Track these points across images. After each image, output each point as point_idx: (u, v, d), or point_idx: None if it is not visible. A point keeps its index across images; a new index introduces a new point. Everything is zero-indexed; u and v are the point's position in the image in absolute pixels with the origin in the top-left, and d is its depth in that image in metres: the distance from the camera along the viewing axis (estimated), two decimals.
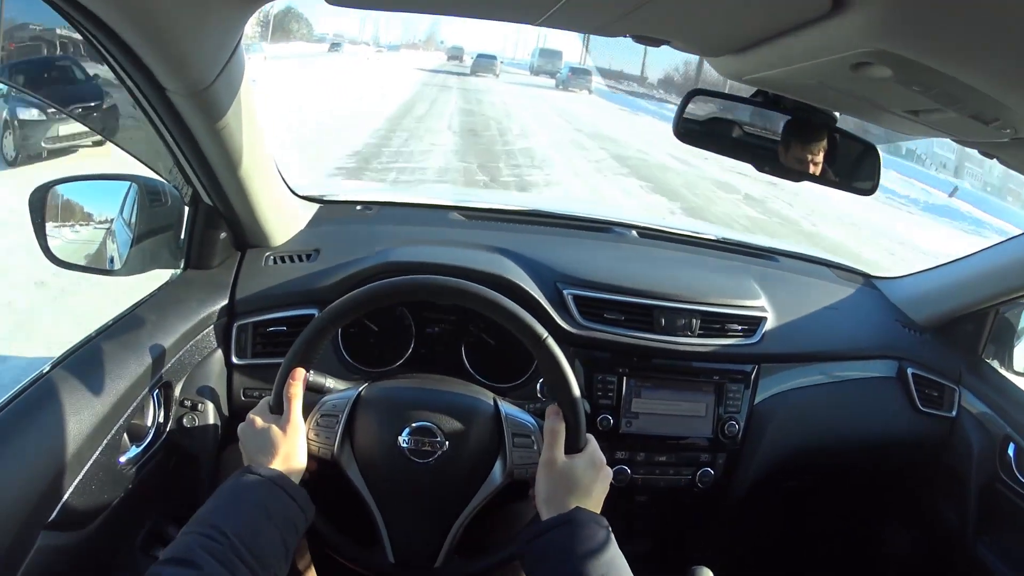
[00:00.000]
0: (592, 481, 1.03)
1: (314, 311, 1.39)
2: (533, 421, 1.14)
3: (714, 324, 1.55)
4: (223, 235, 1.43)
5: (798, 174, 1.17)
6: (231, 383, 1.39)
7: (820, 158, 1.16)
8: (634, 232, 1.85)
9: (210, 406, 1.33)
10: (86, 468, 1.04)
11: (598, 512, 1.01)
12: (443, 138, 13.63)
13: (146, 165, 1.31)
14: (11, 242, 3.92)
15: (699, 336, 1.54)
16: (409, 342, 1.49)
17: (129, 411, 1.13)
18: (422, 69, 37.22)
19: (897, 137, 1.12)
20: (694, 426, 1.54)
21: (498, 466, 1.10)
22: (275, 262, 1.49)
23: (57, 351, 1.13)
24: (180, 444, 1.30)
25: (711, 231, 2.03)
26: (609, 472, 1.07)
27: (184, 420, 1.30)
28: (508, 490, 1.11)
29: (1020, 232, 1.60)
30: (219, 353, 1.38)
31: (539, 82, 38.86)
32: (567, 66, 40.58)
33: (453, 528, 1.08)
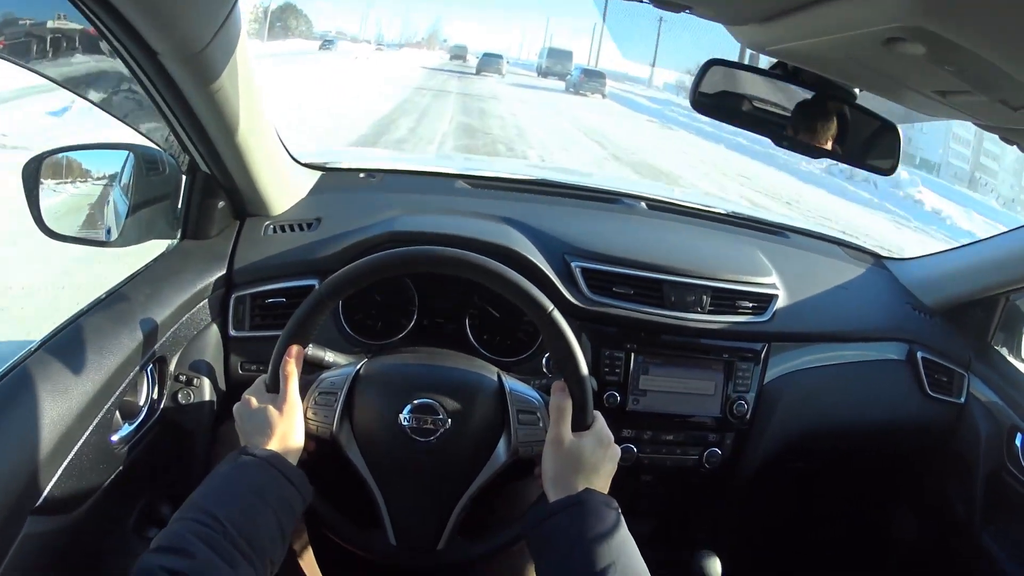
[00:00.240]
0: (600, 460, 1.00)
1: (315, 282, 1.37)
2: (539, 397, 1.11)
3: (725, 301, 1.53)
4: (221, 204, 1.40)
5: (815, 149, 1.14)
6: (228, 357, 1.37)
7: (831, 132, 1.13)
8: (643, 204, 1.82)
9: (206, 381, 1.31)
10: (76, 449, 1.00)
11: (606, 492, 0.98)
12: None
13: (141, 134, 1.27)
14: None
15: (709, 312, 1.51)
16: (412, 314, 1.46)
17: (121, 388, 1.10)
18: (419, 69, 34.31)
19: (916, 117, 1.09)
20: (702, 405, 1.52)
21: (502, 444, 1.08)
22: (275, 231, 1.46)
23: None
24: (175, 421, 1.28)
25: (721, 205, 1.99)
26: (617, 450, 1.04)
27: (179, 396, 1.28)
28: (513, 469, 1.08)
29: None
30: (215, 327, 1.35)
31: (548, 84, 36.43)
32: (578, 68, 37.32)
33: (456, 509, 1.06)
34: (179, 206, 1.36)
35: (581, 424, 1.02)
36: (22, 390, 0.95)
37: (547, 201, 1.75)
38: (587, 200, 1.81)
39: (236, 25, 1.04)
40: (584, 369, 1.03)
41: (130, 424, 1.17)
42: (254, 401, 1.03)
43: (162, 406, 1.26)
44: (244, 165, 1.32)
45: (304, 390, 1.06)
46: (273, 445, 0.98)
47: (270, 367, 1.05)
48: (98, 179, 1.24)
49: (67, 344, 1.05)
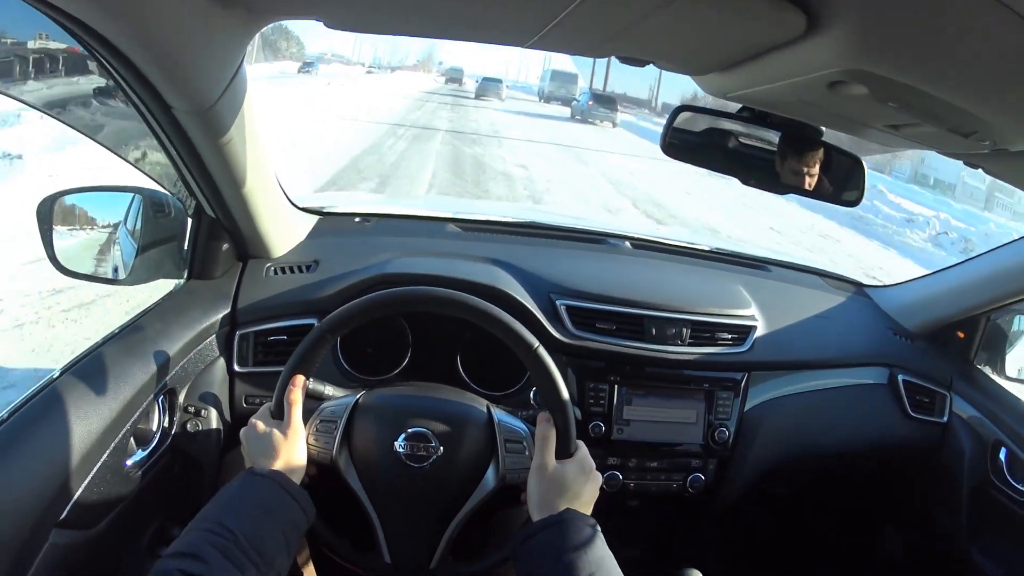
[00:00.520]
0: (582, 486, 1.05)
1: (313, 321, 1.42)
2: (525, 427, 1.16)
3: (704, 333, 1.58)
4: (225, 246, 1.46)
5: (791, 188, 1.20)
6: (233, 390, 1.42)
7: (814, 171, 1.19)
8: (628, 243, 1.88)
9: (213, 412, 1.36)
10: (95, 470, 1.07)
11: (588, 515, 1.03)
12: None
13: (150, 178, 1.34)
14: None
15: (689, 345, 1.56)
16: (406, 351, 1.51)
17: (135, 416, 1.16)
18: (404, 97, 28.76)
19: (883, 149, 1.15)
20: (685, 433, 1.56)
21: (491, 471, 1.13)
22: (276, 273, 1.52)
23: None
24: (184, 449, 1.33)
25: (704, 242, 2.06)
26: (599, 477, 1.09)
27: (188, 426, 1.33)
28: (501, 494, 1.13)
29: (1012, 240, 1.62)
30: (221, 361, 1.41)
31: (551, 111, 32.32)
32: (586, 92, 33.20)
33: (448, 531, 1.11)
34: (185, 248, 1.42)
35: (565, 452, 1.08)
36: (49, 412, 1.02)
37: (534, 243, 1.81)
38: (573, 241, 1.87)
39: (243, 81, 1.11)
40: (567, 400, 1.09)
41: (143, 450, 1.23)
42: (260, 426, 1.08)
43: (172, 434, 1.31)
44: (247, 210, 1.38)
45: (306, 417, 1.12)
46: (278, 467, 1.03)
47: (275, 395, 1.11)
48: (107, 222, 1.29)
49: (87, 372, 1.11)
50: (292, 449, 1.06)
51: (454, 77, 52.30)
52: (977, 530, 1.68)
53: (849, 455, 1.73)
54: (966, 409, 1.72)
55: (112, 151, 1.25)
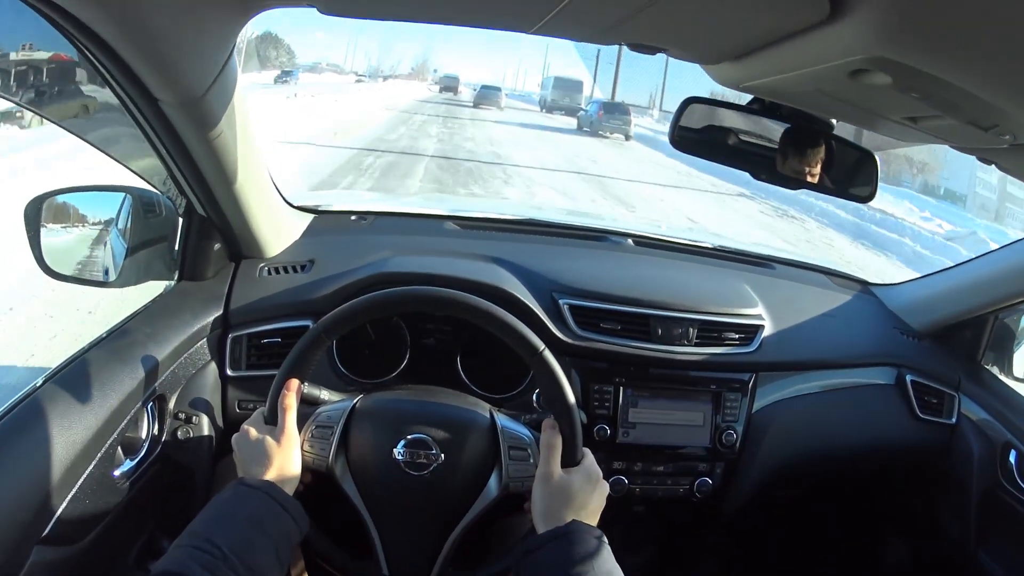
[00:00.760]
0: (588, 495, 1.02)
1: (308, 322, 1.39)
2: (529, 434, 1.13)
3: (711, 333, 1.55)
4: (217, 246, 1.43)
5: (795, 182, 1.17)
6: (225, 395, 1.39)
7: (818, 166, 1.16)
8: (630, 240, 1.85)
9: (204, 419, 1.33)
10: (80, 482, 1.03)
11: (595, 526, 1.00)
12: None
13: (139, 176, 1.30)
14: None
15: (696, 345, 1.53)
16: (404, 353, 1.48)
17: (123, 424, 1.12)
18: (392, 108, 24.90)
19: (893, 144, 1.12)
20: (691, 435, 1.53)
21: (494, 479, 1.10)
22: (269, 273, 1.48)
23: None
24: (174, 457, 1.29)
25: (707, 240, 2.03)
26: (606, 486, 1.06)
27: (178, 433, 1.29)
28: (504, 503, 1.10)
29: (1018, 238, 1.60)
30: (213, 365, 1.37)
31: (556, 123, 28.40)
32: (595, 102, 28.53)
33: (448, 541, 1.08)
34: (176, 248, 1.38)
35: (570, 461, 1.04)
36: (30, 423, 0.98)
37: (535, 240, 1.78)
38: (575, 238, 1.84)
39: (233, 72, 1.07)
40: (574, 408, 1.06)
41: (131, 460, 1.19)
42: (253, 432, 1.05)
43: (162, 442, 1.27)
44: (240, 208, 1.34)
45: (301, 423, 1.08)
46: (270, 476, 1.00)
47: (268, 400, 1.07)
48: (97, 221, 1.26)
49: (71, 380, 1.07)
50: (286, 457, 1.03)
51: (449, 85, 48.17)
52: (986, 534, 1.66)
53: (857, 456, 1.71)
54: (975, 410, 1.70)
55: (99, 149, 1.21)
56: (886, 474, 1.84)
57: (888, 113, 0.87)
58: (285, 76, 32.49)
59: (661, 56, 0.93)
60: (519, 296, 1.46)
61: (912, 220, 13.80)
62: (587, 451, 1.07)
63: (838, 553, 1.98)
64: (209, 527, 0.90)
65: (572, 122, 28.39)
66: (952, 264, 1.84)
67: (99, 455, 1.06)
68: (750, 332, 1.58)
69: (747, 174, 1.17)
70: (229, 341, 1.39)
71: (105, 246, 1.28)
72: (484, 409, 1.17)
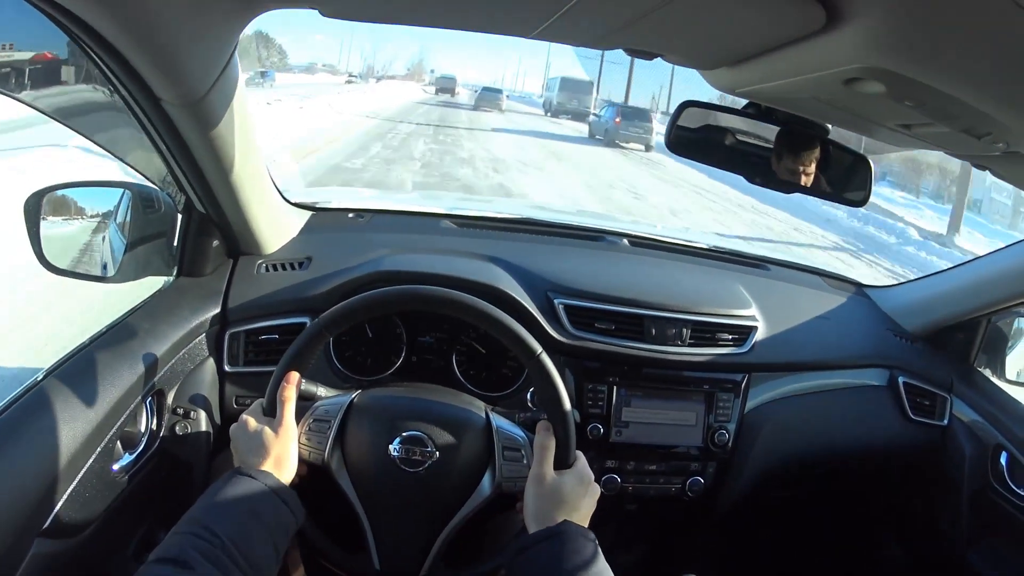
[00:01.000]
0: (580, 497, 1.03)
1: (306, 319, 1.40)
2: (524, 435, 1.14)
3: (704, 333, 1.56)
4: (215, 243, 1.43)
5: (790, 184, 1.18)
6: (223, 391, 1.39)
7: (812, 169, 1.17)
8: (625, 241, 1.86)
9: (202, 414, 1.33)
10: (80, 476, 1.03)
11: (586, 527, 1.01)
12: None
13: (139, 172, 1.31)
14: None
15: (689, 345, 1.54)
16: (400, 351, 1.49)
17: (122, 419, 1.13)
18: (375, 115, 21.10)
19: (888, 149, 1.13)
20: (684, 435, 1.54)
21: (487, 478, 1.10)
22: (267, 270, 1.49)
23: None
24: (173, 452, 1.30)
25: (703, 240, 2.04)
26: (597, 489, 1.07)
27: (177, 428, 1.30)
28: (496, 502, 1.11)
29: (1013, 242, 1.61)
30: (211, 361, 1.38)
31: (563, 129, 25.14)
32: (610, 107, 24.45)
33: (440, 538, 1.08)
34: (175, 244, 1.39)
35: (563, 463, 1.06)
36: (30, 417, 0.99)
37: (531, 239, 1.79)
38: (571, 238, 1.85)
39: (235, 71, 1.08)
40: (569, 410, 1.07)
41: (130, 454, 1.20)
42: (251, 422, 1.06)
43: (161, 437, 1.28)
44: (238, 206, 1.35)
45: (299, 416, 1.09)
46: (267, 466, 1.01)
47: (267, 392, 1.08)
48: (96, 216, 1.26)
49: (72, 375, 1.08)
50: (283, 448, 1.04)
51: (445, 87, 44.92)
52: (977, 534, 1.67)
53: (849, 457, 1.72)
54: (966, 412, 1.71)
55: (100, 145, 1.22)
56: (878, 475, 1.85)
57: (882, 120, 0.88)
58: (260, 77, 29.02)
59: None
60: (514, 295, 1.47)
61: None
62: (580, 454, 1.08)
63: (830, 553, 2.00)
64: (207, 515, 0.91)
65: (581, 128, 25.44)
66: (946, 267, 1.85)
67: (99, 449, 1.07)
68: (743, 333, 1.59)
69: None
70: (227, 337, 1.40)
71: (104, 241, 1.27)
72: (479, 408, 1.18)
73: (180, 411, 1.31)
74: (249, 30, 1.01)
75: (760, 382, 1.61)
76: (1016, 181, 1.07)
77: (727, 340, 1.58)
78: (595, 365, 1.52)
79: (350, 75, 52.43)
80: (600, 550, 0.96)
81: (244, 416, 1.08)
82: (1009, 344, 1.79)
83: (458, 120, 24.18)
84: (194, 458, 1.34)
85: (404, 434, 1.09)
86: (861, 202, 1.22)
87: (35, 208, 1.16)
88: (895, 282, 1.97)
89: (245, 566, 0.87)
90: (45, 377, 1.06)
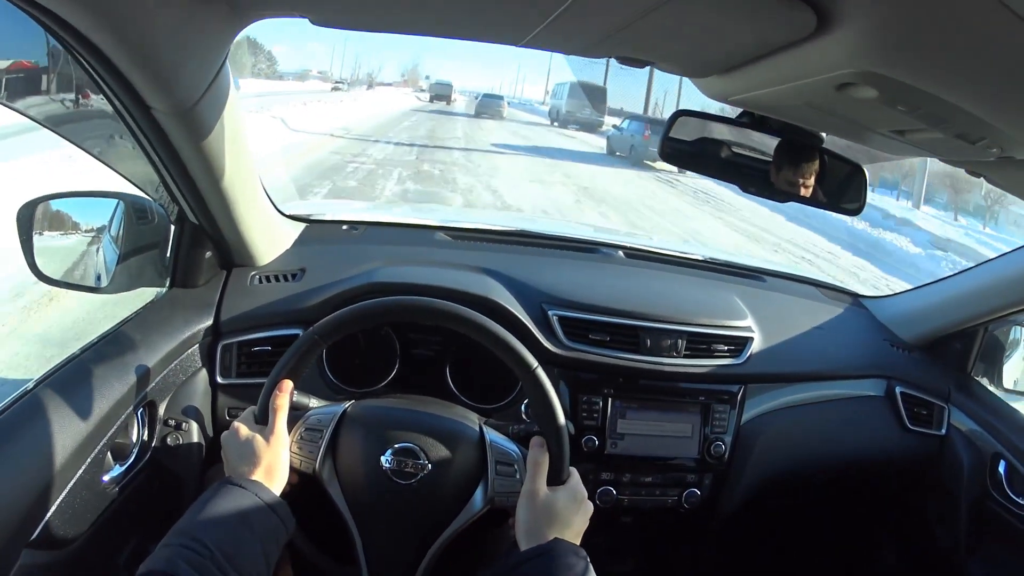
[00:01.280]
0: (573, 515, 1.03)
1: (299, 331, 1.39)
2: (517, 450, 1.13)
3: (700, 345, 1.55)
4: (208, 254, 1.43)
5: (786, 195, 1.18)
6: (215, 403, 1.39)
7: (812, 180, 1.17)
8: (621, 252, 1.86)
9: (194, 426, 1.32)
10: (69, 486, 1.03)
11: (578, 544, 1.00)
12: None
13: (131, 183, 1.30)
14: None
15: (685, 357, 1.53)
16: (394, 362, 1.48)
17: (113, 430, 1.12)
18: (346, 135, 16.41)
19: (882, 157, 1.13)
20: (680, 447, 1.53)
21: (479, 493, 1.10)
22: (260, 281, 1.48)
23: None
24: (164, 463, 1.29)
25: (698, 251, 2.03)
26: (590, 506, 1.06)
27: (168, 439, 1.29)
28: (488, 517, 1.10)
29: (1009, 250, 1.61)
30: (204, 373, 1.37)
31: (575, 144, 21.96)
32: (635, 120, 20.85)
33: (430, 552, 1.08)
34: (168, 255, 1.38)
35: (557, 479, 1.05)
36: (20, 427, 0.98)
37: (526, 251, 1.79)
38: (566, 250, 1.84)
39: (226, 80, 1.08)
40: (563, 427, 1.06)
41: (121, 465, 1.19)
42: (243, 430, 1.05)
43: (152, 449, 1.27)
44: (231, 217, 1.35)
45: (291, 425, 1.08)
46: (258, 475, 1.00)
47: (260, 399, 1.08)
48: (89, 227, 1.26)
49: (62, 385, 1.07)
50: (274, 457, 1.03)
51: (441, 94, 40.76)
52: (975, 544, 1.66)
53: (846, 468, 1.71)
54: (964, 421, 1.70)
55: (92, 155, 1.21)
56: (876, 485, 1.84)
57: (876, 126, 0.87)
58: None
59: None
60: (508, 307, 1.46)
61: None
62: (574, 471, 1.08)
63: (828, 563, 1.98)
64: (196, 525, 0.90)
65: (596, 142, 22.34)
66: (943, 276, 1.85)
67: (89, 460, 1.06)
68: (739, 344, 1.58)
69: None
70: (220, 349, 1.39)
71: (97, 252, 1.27)
72: (473, 422, 1.17)
73: (172, 423, 1.30)
74: (240, 37, 1.00)
75: (756, 393, 1.60)
76: (1011, 187, 1.07)
77: (723, 351, 1.57)
78: (590, 377, 1.51)
79: (337, 82, 49.82)
80: (591, 567, 0.95)
81: (235, 424, 1.07)
82: (1006, 353, 1.79)
83: (451, 135, 20.09)
84: (186, 470, 1.33)
85: (396, 446, 1.08)
86: (857, 211, 1.22)
87: (28, 219, 1.16)
88: (890, 292, 1.96)
89: None
90: (35, 387, 1.05)
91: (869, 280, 8.95)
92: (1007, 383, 1.77)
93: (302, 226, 1.69)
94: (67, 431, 1.02)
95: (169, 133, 1.10)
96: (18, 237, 1.15)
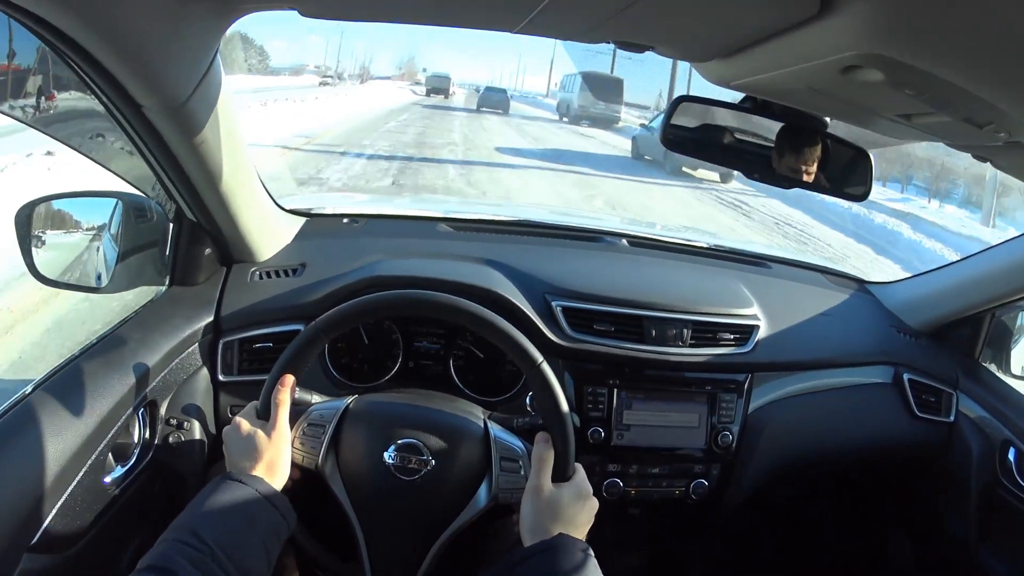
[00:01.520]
0: (578, 511, 1.02)
1: (300, 327, 1.38)
2: (522, 446, 1.12)
3: (706, 333, 1.54)
4: (208, 251, 1.42)
5: (790, 181, 1.17)
6: (217, 401, 1.38)
7: (814, 165, 1.16)
8: (624, 241, 1.84)
9: (196, 424, 1.32)
10: (70, 489, 1.02)
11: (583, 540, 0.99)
12: None
13: (127, 182, 1.30)
14: None
15: (691, 346, 1.52)
16: (397, 356, 1.47)
17: (114, 431, 1.11)
18: (306, 144, 12.44)
19: (892, 141, 1.11)
20: (687, 437, 1.52)
21: (483, 489, 1.09)
22: (261, 277, 1.47)
23: None
24: (166, 463, 1.29)
25: (702, 239, 2.02)
26: (595, 502, 1.05)
27: (170, 439, 1.29)
28: (492, 513, 1.10)
29: (1015, 235, 1.59)
30: (205, 371, 1.37)
31: (594, 146, 18.58)
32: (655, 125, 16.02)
33: (433, 548, 1.07)
34: (167, 253, 1.37)
35: (562, 475, 1.04)
36: (19, 430, 0.97)
37: (528, 242, 1.77)
38: (568, 239, 1.83)
39: (217, 76, 1.07)
40: (568, 423, 1.05)
41: (122, 466, 1.18)
42: (245, 425, 1.04)
43: (154, 449, 1.26)
44: (229, 213, 1.34)
45: (293, 420, 1.08)
46: (259, 471, 0.99)
47: (262, 394, 1.07)
48: (88, 226, 1.25)
49: (61, 387, 1.06)
50: (276, 453, 1.02)
51: (438, 87, 37.17)
52: (986, 531, 1.65)
53: (855, 456, 1.70)
54: (973, 408, 1.69)
55: (87, 156, 1.21)
56: (885, 473, 1.83)
57: (881, 110, 0.86)
58: None
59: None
60: (511, 298, 1.45)
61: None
62: (579, 466, 1.07)
63: (836, 552, 1.98)
64: (195, 521, 0.89)
65: (615, 141, 19.54)
66: (949, 262, 1.84)
67: (90, 462, 1.06)
68: (745, 332, 1.57)
69: None
70: (221, 346, 1.38)
71: (97, 251, 1.27)
72: (477, 417, 1.16)
73: (173, 422, 1.29)
74: (231, 32, 0.98)
75: (763, 382, 1.58)
76: (1019, 173, 1.05)
77: (729, 340, 1.55)
78: (595, 367, 1.50)
79: (324, 76, 44.79)
80: (595, 562, 0.94)
81: (237, 419, 1.07)
82: (1014, 338, 1.77)
83: (446, 141, 15.95)
84: (188, 469, 1.32)
85: (400, 441, 1.08)
86: (862, 196, 1.20)
87: (26, 220, 1.15)
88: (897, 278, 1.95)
89: (234, 572, 0.85)
90: (35, 389, 1.04)
91: None
92: (1015, 369, 1.75)
93: (302, 220, 1.68)
94: (67, 433, 1.01)
95: (162, 131, 1.09)
96: (17, 238, 1.14)
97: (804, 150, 1.14)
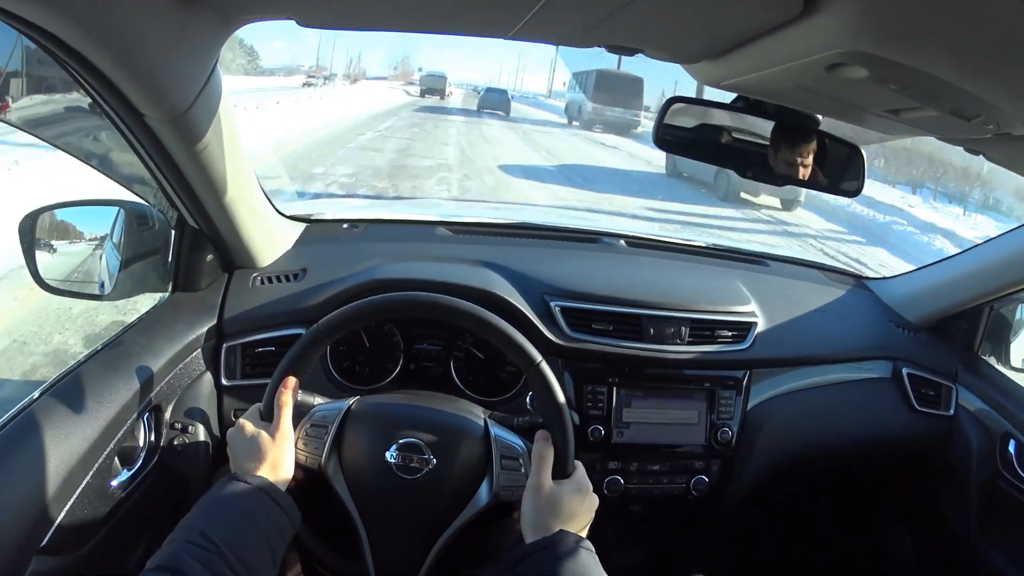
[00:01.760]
0: (578, 508, 1.02)
1: (302, 331, 1.39)
2: (522, 444, 1.13)
3: (704, 331, 1.55)
4: (209, 257, 1.43)
5: (785, 178, 1.18)
6: (221, 405, 1.39)
7: (809, 161, 1.17)
8: (622, 242, 1.85)
9: (200, 428, 1.33)
10: (77, 492, 1.04)
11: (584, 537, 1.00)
12: None
13: (129, 190, 1.31)
14: None
15: (689, 344, 1.53)
16: (398, 358, 1.49)
17: (119, 435, 1.13)
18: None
19: (885, 137, 1.12)
20: (687, 434, 1.53)
21: (484, 487, 1.10)
22: (262, 283, 1.49)
23: None
24: (172, 467, 1.30)
25: (700, 239, 2.03)
26: (596, 499, 1.06)
27: (175, 443, 1.30)
28: (493, 511, 1.10)
29: (1011, 228, 1.59)
30: (208, 375, 1.38)
31: (620, 160, 15.93)
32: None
33: (435, 546, 1.08)
34: (169, 260, 1.39)
35: (562, 472, 1.05)
36: (27, 435, 0.99)
37: (526, 243, 1.79)
38: (567, 240, 1.84)
39: (218, 85, 1.08)
40: (567, 420, 1.06)
41: (128, 470, 1.20)
42: (248, 427, 1.06)
43: (159, 453, 1.28)
44: (230, 219, 1.35)
45: (296, 421, 1.09)
46: (263, 471, 1.00)
47: (265, 397, 1.08)
48: (91, 235, 1.27)
49: (67, 393, 1.08)
50: (279, 454, 1.03)
51: (433, 87, 35.29)
52: (987, 524, 1.66)
53: (855, 451, 1.71)
54: (973, 401, 1.69)
55: (90, 164, 1.22)
56: (885, 468, 1.83)
57: (869, 106, 0.87)
58: None
59: None
60: (510, 299, 1.46)
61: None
62: (579, 464, 1.07)
63: (837, 547, 1.98)
64: (202, 521, 0.90)
65: (639, 151, 17.40)
66: (946, 256, 1.84)
67: (96, 466, 1.07)
68: (743, 329, 1.58)
69: None
70: (224, 351, 1.40)
71: (100, 259, 1.28)
72: (478, 416, 1.17)
73: (178, 426, 1.31)
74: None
75: (762, 378, 1.60)
76: (1011, 164, 1.06)
77: (727, 337, 1.57)
78: (594, 366, 1.51)
79: (309, 76, 40.85)
80: (596, 558, 0.95)
81: (241, 421, 1.08)
82: (1013, 331, 1.78)
83: (436, 156, 13.08)
84: (193, 473, 1.34)
85: (401, 441, 1.09)
86: (856, 192, 1.21)
87: (30, 229, 1.17)
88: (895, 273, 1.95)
89: (242, 571, 0.86)
90: (41, 395, 1.06)
91: None
92: (1015, 361, 1.75)
93: (302, 226, 1.70)
94: (74, 438, 1.03)
95: (164, 139, 1.11)
96: (21, 247, 1.16)
97: (797, 147, 1.15)
